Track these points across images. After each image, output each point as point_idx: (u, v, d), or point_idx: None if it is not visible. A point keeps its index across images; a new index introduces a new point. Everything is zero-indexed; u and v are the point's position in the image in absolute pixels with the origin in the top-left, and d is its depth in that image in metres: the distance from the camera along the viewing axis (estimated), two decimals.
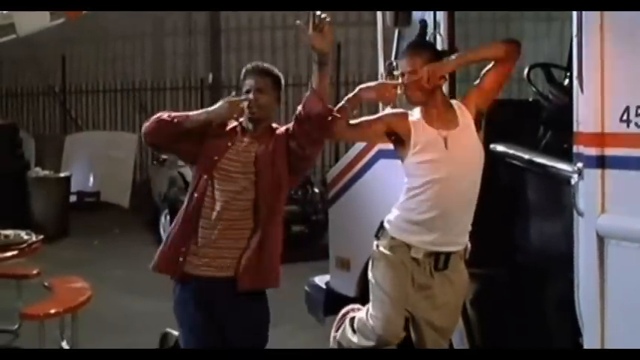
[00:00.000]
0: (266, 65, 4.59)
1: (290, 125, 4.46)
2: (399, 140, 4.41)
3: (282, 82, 4.61)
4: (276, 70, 4.57)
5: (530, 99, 5.63)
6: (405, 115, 4.41)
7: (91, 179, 15.93)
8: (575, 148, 4.15)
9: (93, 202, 15.60)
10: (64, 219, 12.68)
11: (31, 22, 6.41)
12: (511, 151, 4.99)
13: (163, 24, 18.76)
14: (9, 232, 6.99)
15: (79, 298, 6.67)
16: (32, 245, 6.85)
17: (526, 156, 4.92)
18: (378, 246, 4.45)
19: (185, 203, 4.46)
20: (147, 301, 8.62)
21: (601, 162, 4.01)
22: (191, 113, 4.46)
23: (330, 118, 4.29)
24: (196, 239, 4.36)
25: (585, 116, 4.08)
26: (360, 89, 4.49)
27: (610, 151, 3.98)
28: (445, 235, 4.32)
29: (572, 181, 4.15)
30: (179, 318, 4.48)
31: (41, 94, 19.30)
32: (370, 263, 4.52)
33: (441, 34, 5.06)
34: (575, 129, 4.15)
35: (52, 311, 6.44)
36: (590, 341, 4.12)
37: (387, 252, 4.39)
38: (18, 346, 7.11)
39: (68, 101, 19.09)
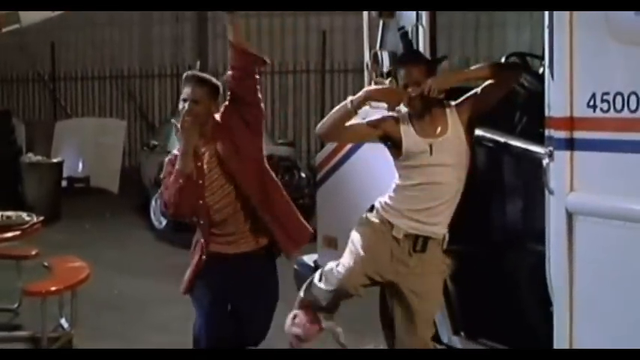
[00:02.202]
0: (203, 75, 4.80)
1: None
2: (393, 144, 4.70)
3: (220, 90, 4.79)
4: (213, 80, 4.77)
5: None
6: (397, 121, 4.69)
7: (81, 165, 16.05)
8: (546, 132, 4.37)
9: (83, 188, 15.74)
10: (56, 203, 12.81)
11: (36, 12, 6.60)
12: (488, 135, 5.17)
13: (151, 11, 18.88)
14: (10, 213, 7.13)
15: (78, 276, 6.88)
16: (33, 226, 6.99)
17: (501, 139, 5.11)
18: (366, 215, 4.76)
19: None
20: (139, 281, 8.92)
21: (570, 144, 4.22)
22: (176, 167, 4.68)
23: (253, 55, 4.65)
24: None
25: (555, 102, 4.30)
26: (369, 91, 4.70)
27: (578, 134, 4.20)
28: (426, 224, 4.64)
29: (544, 162, 4.37)
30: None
31: (31, 81, 19.36)
32: (356, 227, 4.81)
33: (422, 25, 5.31)
34: (546, 114, 4.37)
35: (53, 288, 6.66)
36: (559, 309, 4.36)
37: (373, 220, 4.71)
38: (18, 324, 7.33)
39: (57, 88, 19.22)
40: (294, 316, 5.06)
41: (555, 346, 4.43)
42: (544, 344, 4.53)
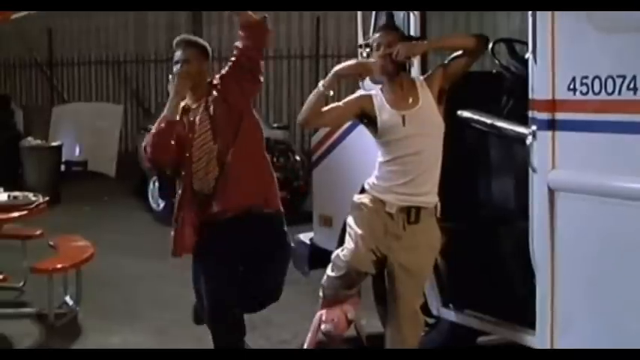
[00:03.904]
0: (192, 37, 5.14)
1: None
2: (370, 121, 4.87)
3: (210, 51, 5.07)
4: (201, 41, 5.06)
5: (494, 71, 5.97)
6: (371, 98, 4.85)
7: (78, 149, 16.20)
8: (530, 113, 4.60)
9: (80, 171, 15.89)
10: (56, 186, 12.92)
11: None
12: (475, 117, 5.39)
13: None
14: (17, 193, 7.33)
15: (83, 255, 7.13)
16: (39, 206, 7.16)
17: (488, 121, 5.32)
18: (357, 197, 4.93)
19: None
20: (140, 261, 9.12)
21: (552, 125, 4.46)
22: (162, 114, 4.95)
23: (263, 23, 4.90)
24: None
25: (538, 85, 4.54)
26: (337, 70, 4.86)
27: (559, 116, 4.44)
28: (414, 195, 4.78)
29: (527, 142, 4.61)
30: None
31: (28, 67, 19.40)
32: (350, 212, 4.98)
33: (414, 12, 5.50)
34: (530, 96, 4.61)
35: (59, 266, 6.92)
36: (541, 281, 4.60)
37: (364, 201, 4.87)
38: (24, 301, 7.54)
39: (54, 73, 19.33)
40: (321, 316, 5.17)
41: (537, 316, 4.66)
42: (528, 315, 4.76)
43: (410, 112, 4.76)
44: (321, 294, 5.18)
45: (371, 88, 5.03)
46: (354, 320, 5.26)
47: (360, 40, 5.72)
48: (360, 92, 5.10)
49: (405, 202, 4.79)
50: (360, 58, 5.02)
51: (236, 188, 4.97)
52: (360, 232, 4.87)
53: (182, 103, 5.00)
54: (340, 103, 4.93)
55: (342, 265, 4.95)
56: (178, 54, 4.96)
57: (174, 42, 5.01)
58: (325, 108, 4.88)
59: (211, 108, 4.98)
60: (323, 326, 5.10)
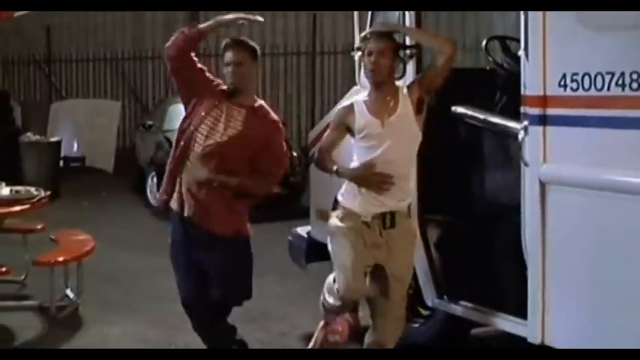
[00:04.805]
0: (243, 38, 4.99)
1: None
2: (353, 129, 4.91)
3: (259, 53, 5.02)
4: (252, 43, 4.97)
5: (488, 68, 6.09)
6: (352, 108, 4.90)
7: (76, 145, 16.30)
8: (522, 109, 4.71)
9: (78, 167, 15.99)
10: (55, 181, 12.90)
11: None
12: (469, 112, 5.50)
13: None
14: (20, 187, 7.42)
15: (83, 248, 7.23)
16: (41, 200, 7.24)
17: (481, 116, 5.43)
18: (332, 221, 4.98)
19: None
20: (138, 255, 9.22)
21: (543, 120, 4.57)
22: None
23: None
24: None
25: (530, 81, 4.65)
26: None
27: (550, 111, 4.55)
28: (387, 198, 4.83)
29: (520, 137, 4.72)
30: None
31: (26, 63, 19.45)
32: (329, 238, 5.04)
33: (409, 12, 5.52)
34: (522, 92, 4.72)
35: (61, 259, 7.03)
36: (533, 273, 4.72)
37: (339, 224, 4.92)
38: (26, 294, 7.64)
39: (53, 70, 19.38)
40: (325, 324, 5.29)
41: (529, 307, 4.77)
42: (520, 306, 4.87)
43: (389, 120, 4.81)
44: (321, 306, 5.26)
45: (367, 85, 5.12)
46: (356, 322, 5.44)
47: (357, 41, 5.77)
48: (339, 105, 5.12)
49: (378, 208, 4.84)
50: (355, 59, 5.04)
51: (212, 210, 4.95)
52: (345, 262, 4.91)
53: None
54: (332, 134, 4.99)
55: (336, 297, 5.03)
56: (229, 55, 4.89)
57: (224, 43, 4.90)
58: (325, 142, 4.99)
59: (247, 127, 4.93)
60: (330, 337, 5.26)
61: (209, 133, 4.88)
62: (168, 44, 4.93)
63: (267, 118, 5.01)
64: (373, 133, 4.81)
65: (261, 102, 5.07)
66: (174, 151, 5.02)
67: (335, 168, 4.90)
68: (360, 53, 4.97)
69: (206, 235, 4.92)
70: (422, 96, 4.89)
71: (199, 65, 4.97)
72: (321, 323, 5.35)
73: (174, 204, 5.00)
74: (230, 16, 4.97)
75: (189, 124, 4.95)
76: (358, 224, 4.86)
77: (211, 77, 5.04)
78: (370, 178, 4.79)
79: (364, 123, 4.83)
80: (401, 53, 5.01)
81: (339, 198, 4.98)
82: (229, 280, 4.97)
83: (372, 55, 4.81)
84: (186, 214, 4.93)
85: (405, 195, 4.92)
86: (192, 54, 4.95)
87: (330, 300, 5.10)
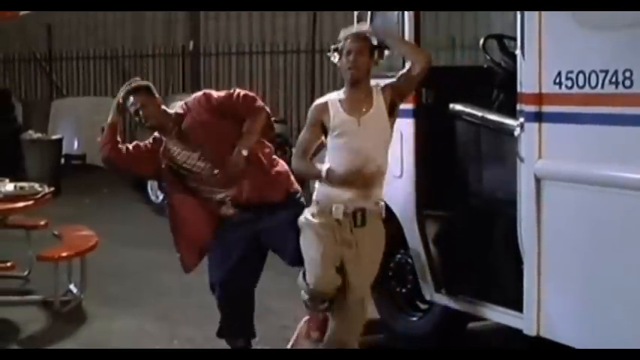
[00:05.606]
0: (139, 84, 5.48)
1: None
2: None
3: (153, 89, 5.49)
4: (143, 83, 5.49)
5: (486, 66, 6.14)
6: (326, 106, 4.97)
7: (77, 143, 16.35)
8: (518, 106, 4.80)
9: (79, 165, 16.03)
10: (56, 179, 12.84)
11: None
12: (467, 110, 5.58)
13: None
14: (24, 184, 7.51)
15: (87, 244, 7.31)
16: (45, 196, 7.33)
17: (479, 113, 5.51)
18: (305, 217, 5.05)
19: None
20: (140, 250, 9.30)
21: (539, 117, 4.66)
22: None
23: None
24: None
25: (526, 79, 4.74)
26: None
27: (546, 108, 4.64)
28: (359, 196, 4.89)
29: (515, 133, 4.81)
30: None
31: (27, 61, 19.51)
32: (301, 233, 5.09)
33: (408, 12, 5.62)
34: (518, 90, 4.81)
35: (65, 254, 7.11)
36: (528, 267, 4.81)
37: (310, 219, 5.00)
38: (29, 290, 7.72)
39: (53, 68, 19.41)
40: (308, 320, 5.37)
41: (525, 300, 4.86)
42: (516, 300, 4.96)
43: (364, 117, 4.89)
44: (303, 302, 5.34)
45: None
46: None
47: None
48: (314, 104, 5.17)
49: (350, 206, 4.91)
50: (333, 60, 5.12)
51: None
52: (316, 254, 4.99)
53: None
54: (307, 134, 5.07)
55: (307, 291, 5.13)
56: (132, 100, 5.38)
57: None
58: (300, 147, 5.09)
59: (194, 130, 5.34)
60: (312, 334, 5.34)
61: (193, 168, 5.36)
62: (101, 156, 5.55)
63: (193, 106, 5.39)
64: (348, 131, 4.88)
65: (179, 111, 5.42)
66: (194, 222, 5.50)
67: (325, 171, 4.92)
68: (336, 55, 5.03)
69: (267, 208, 5.32)
70: (394, 99, 4.98)
71: (130, 150, 5.50)
72: (304, 319, 5.43)
73: (228, 210, 5.40)
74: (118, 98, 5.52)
75: (183, 189, 5.46)
76: (330, 221, 4.94)
77: (142, 146, 5.49)
78: (357, 181, 4.87)
79: (339, 121, 4.90)
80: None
81: (314, 196, 5.05)
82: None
83: (350, 54, 4.90)
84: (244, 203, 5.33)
85: (379, 193, 5.00)
86: (121, 148, 5.51)
87: (306, 295, 5.18)
